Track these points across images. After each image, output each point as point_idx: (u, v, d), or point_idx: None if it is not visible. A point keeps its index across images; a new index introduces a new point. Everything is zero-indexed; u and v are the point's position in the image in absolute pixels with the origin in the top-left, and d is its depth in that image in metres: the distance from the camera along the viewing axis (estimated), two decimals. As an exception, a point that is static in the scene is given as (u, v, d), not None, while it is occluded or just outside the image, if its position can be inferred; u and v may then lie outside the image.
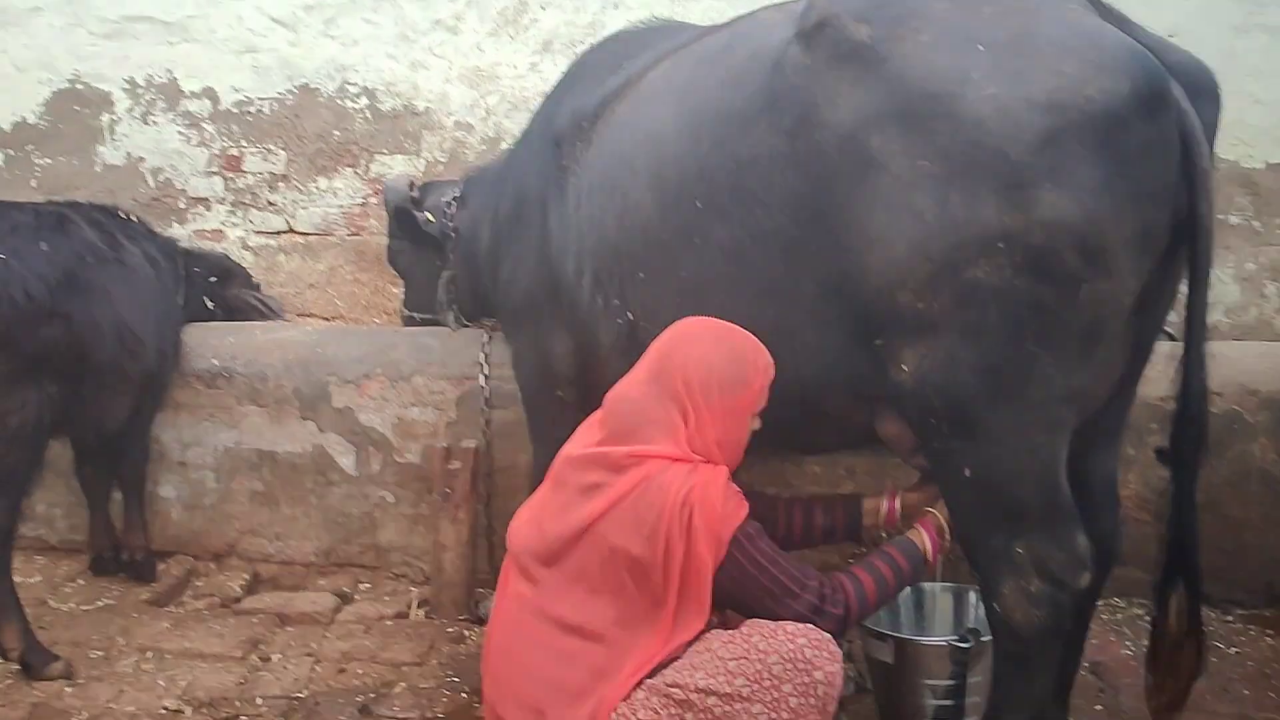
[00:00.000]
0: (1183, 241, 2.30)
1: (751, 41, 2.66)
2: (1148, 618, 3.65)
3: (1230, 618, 3.78)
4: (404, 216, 4.00)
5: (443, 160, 5.12)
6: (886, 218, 2.30)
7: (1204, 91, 2.35)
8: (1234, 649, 3.57)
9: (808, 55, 2.45)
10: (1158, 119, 2.20)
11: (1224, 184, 4.74)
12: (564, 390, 3.31)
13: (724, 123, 2.59)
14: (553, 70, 4.99)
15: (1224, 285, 4.76)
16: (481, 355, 3.99)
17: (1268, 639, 3.65)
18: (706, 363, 2.37)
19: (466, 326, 4.07)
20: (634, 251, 2.78)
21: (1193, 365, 2.35)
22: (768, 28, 2.65)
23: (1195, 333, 2.33)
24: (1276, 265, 4.86)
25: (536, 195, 3.25)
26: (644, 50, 3.13)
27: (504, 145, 4.96)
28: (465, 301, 3.97)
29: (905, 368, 2.35)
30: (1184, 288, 2.39)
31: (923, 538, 2.59)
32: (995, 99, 2.20)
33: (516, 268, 3.38)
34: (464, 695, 3.27)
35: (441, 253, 3.94)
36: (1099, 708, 3.18)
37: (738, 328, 2.45)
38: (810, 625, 2.27)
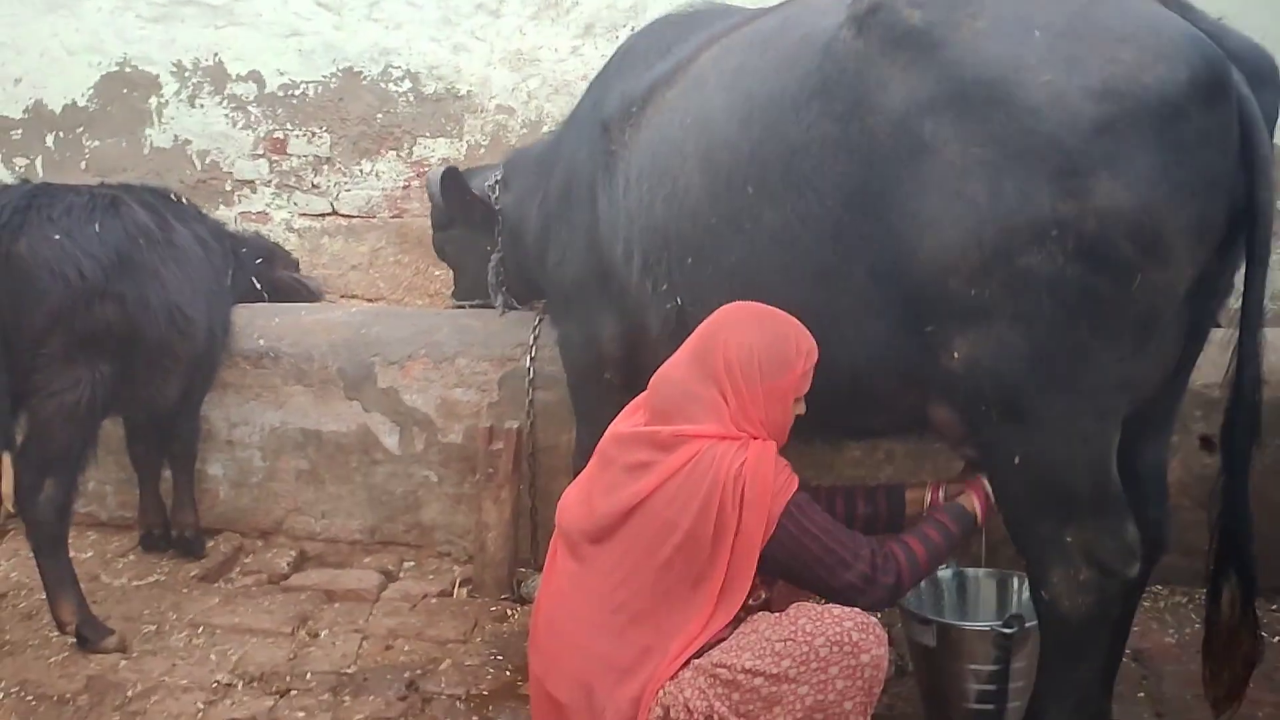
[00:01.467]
0: (1240, 230, 2.29)
1: (803, 25, 2.66)
2: (1190, 605, 3.68)
3: (1275, 606, 3.76)
4: (455, 193, 3.95)
5: (484, 144, 5.15)
6: (939, 204, 2.31)
7: (1265, 78, 2.33)
8: (1278, 638, 3.55)
9: (860, 40, 2.45)
10: (1216, 107, 2.18)
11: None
12: (611, 372, 3.33)
13: (775, 107, 2.59)
14: (594, 54, 5.01)
15: (1272, 270, 4.69)
16: (531, 336, 4.02)
17: (1313, 628, 3.64)
18: (748, 346, 2.38)
19: (515, 309, 4.09)
20: (683, 236, 2.80)
21: (1247, 354, 2.34)
22: (819, 12, 2.64)
23: (1250, 321, 2.32)
24: (1324, 252, 4.78)
25: (585, 179, 3.27)
26: (692, 34, 3.13)
27: (545, 129, 4.98)
28: (514, 284, 3.99)
29: (956, 355, 2.36)
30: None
31: (972, 501, 2.59)
32: (1051, 86, 2.20)
33: (565, 251, 3.40)
34: (508, 673, 3.32)
35: (490, 236, 3.96)
36: (1141, 695, 3.18)
37: (781, 312, 2.45)
38: (856, 610, 2.28)
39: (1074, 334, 2.25)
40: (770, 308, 2.47)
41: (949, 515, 2.58)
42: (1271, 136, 2.30)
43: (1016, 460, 2.38)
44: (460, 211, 4.01)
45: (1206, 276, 2.31)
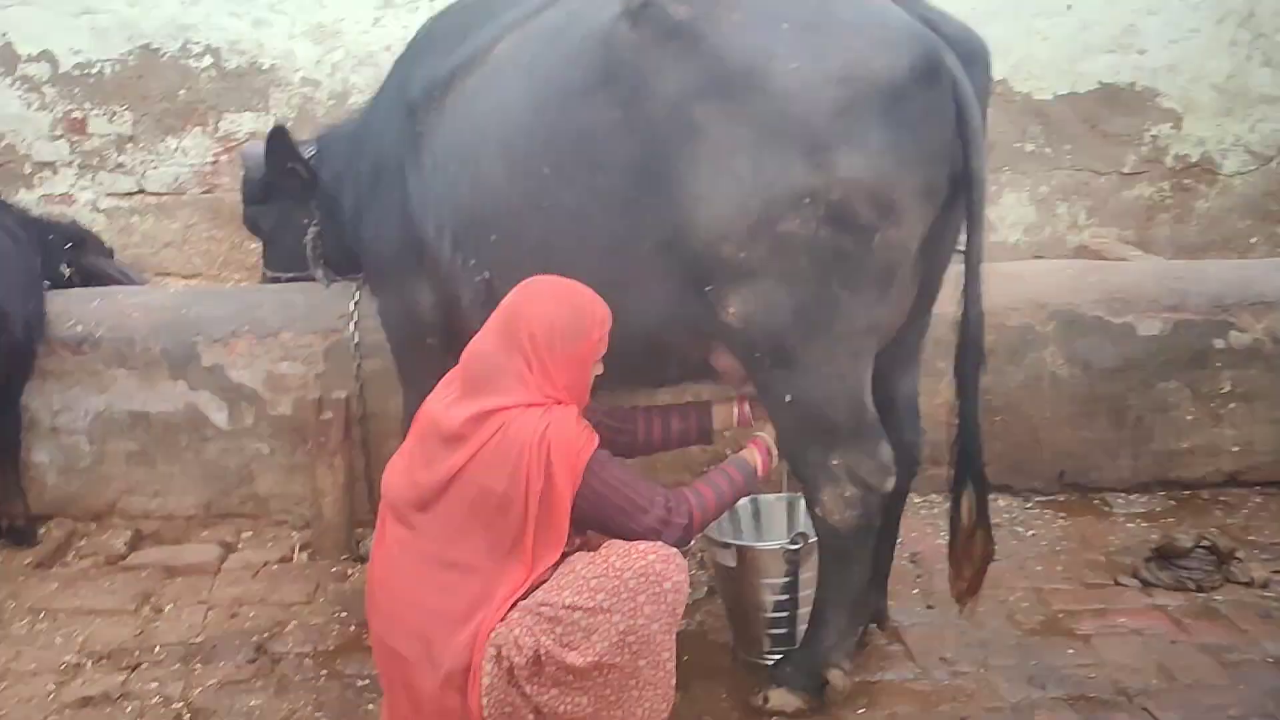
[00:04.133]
0: (960, 192, 2.69)
1: (585, 20, 2.90)
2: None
3: (1029, 504, 4.32)
4: (281, 156, 3.91)
5: (292, 116, 5.20)
6: (710, 179, 2.62)
7: (976, 59, 2.73)
8: (1030, 532, 4.10)
9: (635, 32, 2.72)
10: (934, 87, 2.57)
11: (1018, 115, 5.23)
12: (432, 338, 3.50)
13: (566, 95, 2.85)
14: (396, 24, 5.11)
15: (1022, 207, 5.28)
16: (352, 306, 4.16)
17: (1060, 521, 4.20)
18: (549, 318, 2.62)
19: (336, 281, 4.21)
20: (486, 216, 3.02)
21: (971, 297, 2.75)
22: (598, 5, 2.88)
23: (972, 270, 2.74)
24: (1065, 187, 5.38)
25: (394, 159, 3.42)
26: (489, 20, 3.29)
27: (352, 100, 5.08)
28: (333, 256, 4.09)
29: (732, 310, 2.70)
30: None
31: (754, 454, 2.94)
32: (798, 73, 2.54)
33: (379, 227, 3.54)
34: (353, 628, 3.52)
35: (305, 208, 4.03)
36: (915, 591, 3.65)
37: (577, 284, 2.70)
38: (660, 544, 2.57)
39: (827, 288, 2.62)
40: (567, 280, 2.71)
41: (735, 467, 2.91)
42: (983, 112, 2.70)
43: (787, 399, 2.75)
44: (281, 178, 4.01)
45: (934, 233, 2.71)
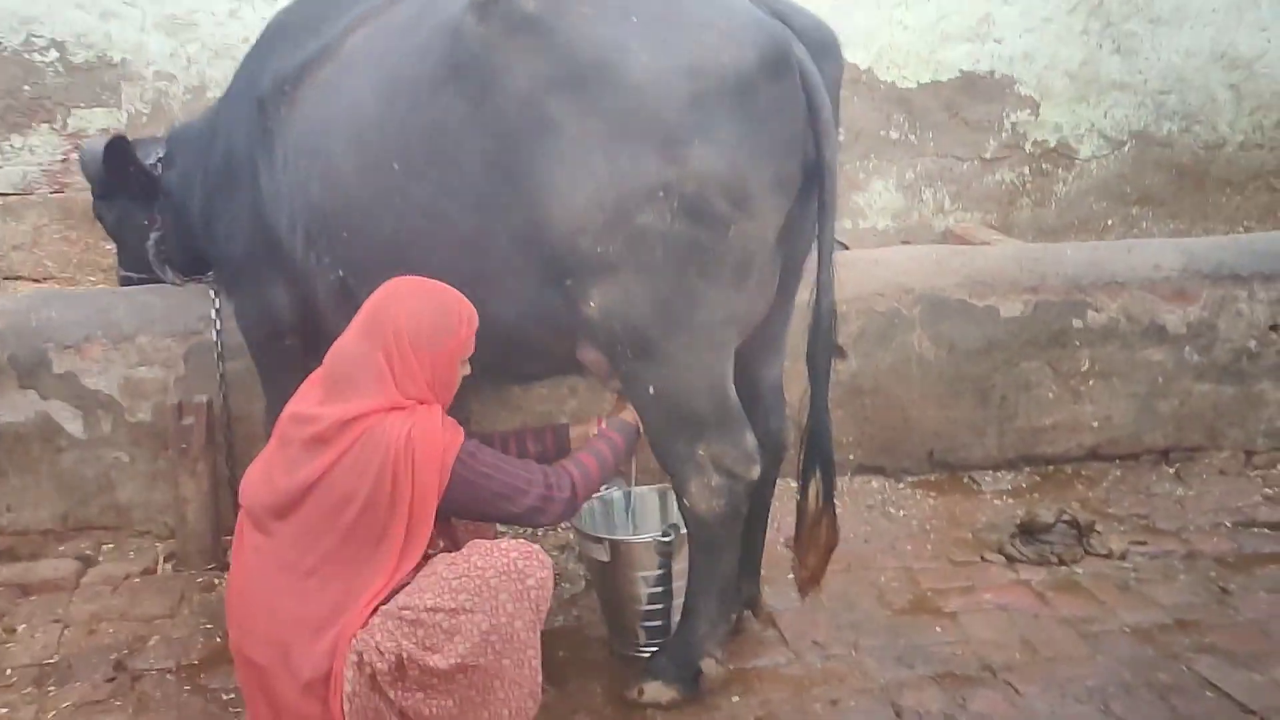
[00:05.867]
0: (813, 183, 2.71)
1: (435, 13, 2.85)
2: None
3: (901, 484, 4.41)
4: (120, 164, 3.79)
5: (146, 111, 5.02)
6: (565, 173, 2.60)
7: (827, 50, 2.76)
8: (902, 512, 4.19)
9: (483, 25, 2.68)
10: (782, 79, 2.58)
11: (882, 103, 5.33)
12: (291, 338, 3.44)
13: (416, 89, 2.79)
14: (254, 16, 4.98)
15: (889, 194, 5.39)
16: (213, 310, 4.03)
17: (930, 500, 4.30)
18: (415, 316, 2.58)
19: (187, 282, 4.08)
20: (337, 212, 2.96)
21: (822, 286, 2.79)
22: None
23: (823, 259, 2.77)
24: (930, 173, 5.51)
25: (245, 155, 3.33)
26: (339, 13, 3.23)
27: (210, 94, 4.92)
28: (179, 258, 3.97)
29: (592, 304, 2.68)
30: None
31: (631, 413, 2.95)
32: (649, 67, 2.53)
33: (232, 225, 3.46)
34: (218, 640, 3.41)
35: (149, 212, 3.90)
36: (790, 576, 3.67)
37: (441, 283, 2.66)
38: (522, 541, 2.57)
39: (685, 280, 2.62)
40: (432, 281, 2.67)
41: (614, 429, 2.95)
42: (835, 103, 2.73)
43: (651, 390, 2.75)
44: (122, 184, 3.89)
45: (792, 223, 2.73)
